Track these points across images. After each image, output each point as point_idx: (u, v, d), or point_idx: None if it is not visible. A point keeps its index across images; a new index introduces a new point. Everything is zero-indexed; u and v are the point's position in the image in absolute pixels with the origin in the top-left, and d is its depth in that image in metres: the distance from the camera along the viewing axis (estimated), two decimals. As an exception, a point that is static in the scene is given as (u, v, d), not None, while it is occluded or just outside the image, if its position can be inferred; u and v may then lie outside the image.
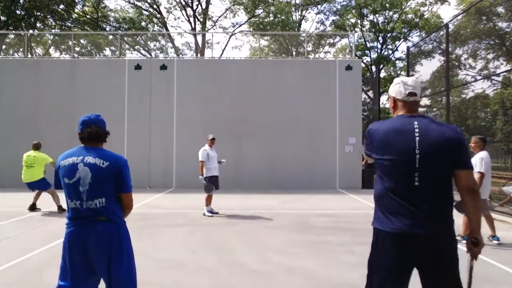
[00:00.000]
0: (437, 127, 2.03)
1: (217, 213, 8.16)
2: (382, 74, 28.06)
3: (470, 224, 2.04)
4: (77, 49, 25.66)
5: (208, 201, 8.07)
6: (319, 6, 29.18)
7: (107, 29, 28.57)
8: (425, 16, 27.84)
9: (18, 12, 24.39)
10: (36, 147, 8.40)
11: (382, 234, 2.07)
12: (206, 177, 7.93)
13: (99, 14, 28.19)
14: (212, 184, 7.92)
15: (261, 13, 29.69)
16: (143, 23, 29.08)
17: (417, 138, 1.99)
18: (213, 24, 29.86)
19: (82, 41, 27.32)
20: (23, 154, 8.39)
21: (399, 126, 2.05)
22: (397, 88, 2.19)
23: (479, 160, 5.68)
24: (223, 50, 29.10)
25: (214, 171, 8.06)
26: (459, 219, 6.07)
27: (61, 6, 25.57)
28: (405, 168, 1.99)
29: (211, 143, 8.16)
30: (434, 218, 1.97)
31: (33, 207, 8.36)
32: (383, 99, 29.23)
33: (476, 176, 5.58)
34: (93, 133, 2.43)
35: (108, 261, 2.36)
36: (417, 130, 2.01)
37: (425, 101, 17.92)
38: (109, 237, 2.38)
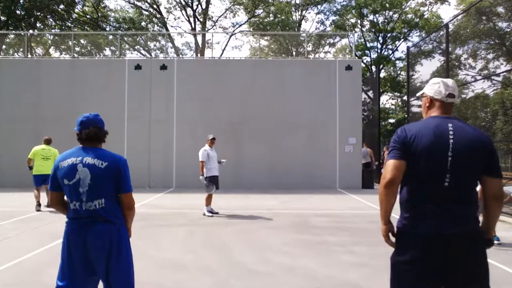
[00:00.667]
0: (471, 130, 2.04)
1: (217, 213, 8.15)
2: (382, 74, 28.08)
3: (488, 227, 2.10)
4: (77, 49, 25.65)
5: (208, 201, 8.07)
6: (319, 6, 29.20)
7: (107, 29, 28.58)
8: (425, 16, 27.85)
9: (18, 12, 24.39)
10: (48, 142, 8.74)
11: (410, 237, 2.02)
12: (206, 177, 7.93)
13: (99, 14, 28.19)
14: (212, 184, 7.92)
15: (261, 13, 29.70)
16: (143, 23, 29.09)
17: (451, 140, 1.99)
18: (213, 24, 29.89)
19: (82, 41, 27.30)
20: (34, 148, 8.61)
21: (434, 127, 2.04)
22: (436, 88, 2.16)
23: None
24: (223, 50, 29.13)
25: (215, 171, 8.05)
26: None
27: (61, 6, 25.58)
28: (436, 168, 1.99)
29: (211, 143, 8.15)
30: (462, 219, 1.97)
31: (40, 205, 8.43)
32: (383, 99, 29.29)
33: None
34: (91, 134, 2.40)
35: (107, 261, 2.36)
36: (451, 132, 2.02)
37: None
38: (109, 237, 2.37)
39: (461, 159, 1.97)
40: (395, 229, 2.10)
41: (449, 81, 2.17)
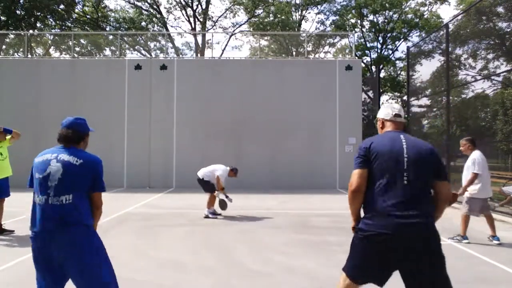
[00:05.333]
0: (419, 140, 2.49)
1: (219, 214, 8.10)
2: (382, 74, 28.07)
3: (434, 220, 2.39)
4: (77, 49, 25.65)
5: (211, 203, 8.01)
6: (319, 6, 29.18)
7: (107, 29, 28.57)
8: (425, 16, 27.84)
9: (18, 12, 24.39)
10: None
11: (369, 235, 2.32)
12: (227, 196, 7.84)
13: (99, 14, 28.20)
14: (229, 200, 7.84)
15: (261, 13, 29.68)
16: (143, 23, 29.09)
17: (405, 146, 2.39)
18: (213, 24, 29.89)
19: (82, 41, 27.31)
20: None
21: (389, 137, 2.47)
22: (385, 111, 2.66)
23: (472, 162, 5.70)
24: (223, 50, 29.12)
25: (199, 173, 8.06)
26: (457, 220, 6.08)
27: (61, 6, 25.58)
28: (397, 168, 2.32)
29: (233, 174, 8.14)
30: (423, 214, 2.26)
31: None
32: (383, 99, 29.28)
33: (470, 176, 5.63)
34: (63, 134, 2.52)
35: (77, 262, 2.34)
36: (404, 140, 2.43)
37: (425, 101, 17.91)
38: (79, 241, 2.36)
39: (415, 161, 2.33)
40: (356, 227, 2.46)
41: (395, 105, 2.69)
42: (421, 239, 2.21)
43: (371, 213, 2.34)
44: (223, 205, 7.87)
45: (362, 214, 2.49)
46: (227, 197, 7.83)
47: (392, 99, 30.32)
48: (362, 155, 2.42)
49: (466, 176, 5.81)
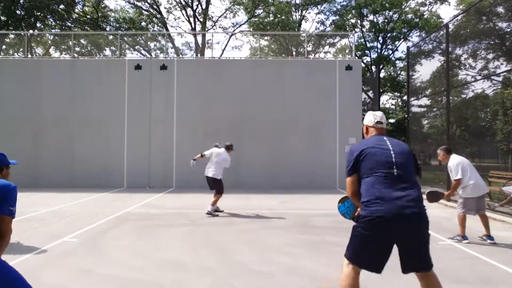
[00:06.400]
0: (398, 140, 2.94)
1: (222, 211, 8.21)
2: (382, 74, 28.08)
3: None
4: (77, 49, 25.65)
5: (215, 201, 8.06)
6: (319, 6, 29.20)
7: (107, 29, 28.58)
8: (425, 16, 27.84)
9: (18, 12, 24.38)
10: None
11: (372, 218, 2.63)
12: (195, 160, 8.31)
13: (99, 14, 28.20)
14: (194, 160, 8.41)
15: (261, 13, 29.70)
16: (143, 23, 29.11)
17: (389, 145, 2.83)
18: (213, 24, 29.91)
19: (82, 41, 27.32)
20: None
21: (375, 140, 2.91)
22: (369, 118, 3.10)
23: (449, 169, 5.71)
24: (223, 50, 29.14)
25: (209, 171, 8.08)
26: (455, 218, 6.07)
27: (61, 6, 25.57)
28: (387, 162, 2.72)
29: (230, 151, 8.37)
30: (415, 199, 2.62)
31: None
32: (383, 99, 29.29)
33: (453, 184, 5.65)
34: None
35: None
36: (388, 141, 2.87)
37: (425, 101, 17.92)
38: None
39: (400, 156, 2.75)
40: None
41: (378, 113, 3.10)
42: (414, 218, 2.58)
43: (368, 201, 2.66)
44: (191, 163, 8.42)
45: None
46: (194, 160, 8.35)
47: (392, 99, 30.36)
48: (352, 160, 2.87)
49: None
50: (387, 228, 2.56)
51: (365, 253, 2.68)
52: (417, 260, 2.65)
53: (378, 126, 3.04)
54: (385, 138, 2.92)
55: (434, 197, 4.65)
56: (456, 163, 5.66)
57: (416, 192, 2.67)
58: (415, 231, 2.61)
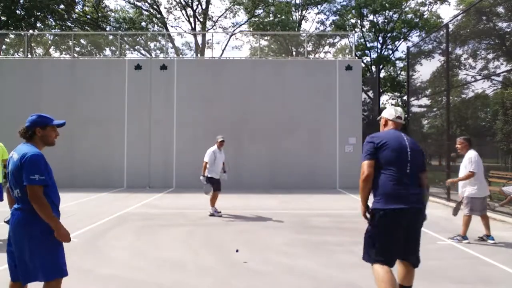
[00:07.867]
0: (412, 139, 3.14)
1: (220, 212, 8.17)
2: (382, 74, 28.05)
3: (424, 207, 3.06)
4: (77, 49, 25.63)
5: (213, 201, 8.03)
6: (319, 6, 29.16)
7: (107, 29, 28.58)
8: (425, 16, 27.83)
9: (18, 12, 24.38)
10: None
11: (383, 212, 2.93)
12: (206, 177, 7.88)
13: (99, 14, 28.20)
14: (210, 184, 7.85)
15: (261, 13, 29.68)
16: (143, 23, 29.09)
17: (407, 143, 3.04)
18: (213, 24, 29.89)
19: (82, 41, 27.29)
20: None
21: (395, 135, 3.09)
22: (389, 112, 3.27)
23: (468, 160, 5.72)
24: (223, 50, 29.11)
25: (215, 174, 7.98)
26: (457, 220, 6.08)
27: (61, 6, 25.57)
28: (403, 159, 2.97)
29: (220, 145, 8.05)
30: (419, 197, 2.97)
31: None
32: (383, 99, 29.27)
33: (467, 174, 5.70)
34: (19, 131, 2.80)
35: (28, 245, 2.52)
36: (405, 138, 3.09)
37: (425, 101, 17.91)
38: (22, 224, 2.54)
39: (414, 154, 3.01)
40: (371, 209, 3.04)
41: (399, 108, 3.31)
42: (419, 210, 2.96)
43: (383, 194, 2.92)
44: (204, 188, 7.89)
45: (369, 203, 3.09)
46: (206, 180, 7.85)
47: (392, 99, 30.32)
48: (372, 147, 3.00)
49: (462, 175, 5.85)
50: (400, 221, 2.88)
51: (390, 246, 2.90)
52: (412, 252, 3.01)
53: (397, 121, 3.23)
54: (403, 134, 3.12)
55: (457, 210, 5.87)
56: (475, 156, 5.73)
57: (420, 189, 2.98)
58: (417, 226, 2.99)
